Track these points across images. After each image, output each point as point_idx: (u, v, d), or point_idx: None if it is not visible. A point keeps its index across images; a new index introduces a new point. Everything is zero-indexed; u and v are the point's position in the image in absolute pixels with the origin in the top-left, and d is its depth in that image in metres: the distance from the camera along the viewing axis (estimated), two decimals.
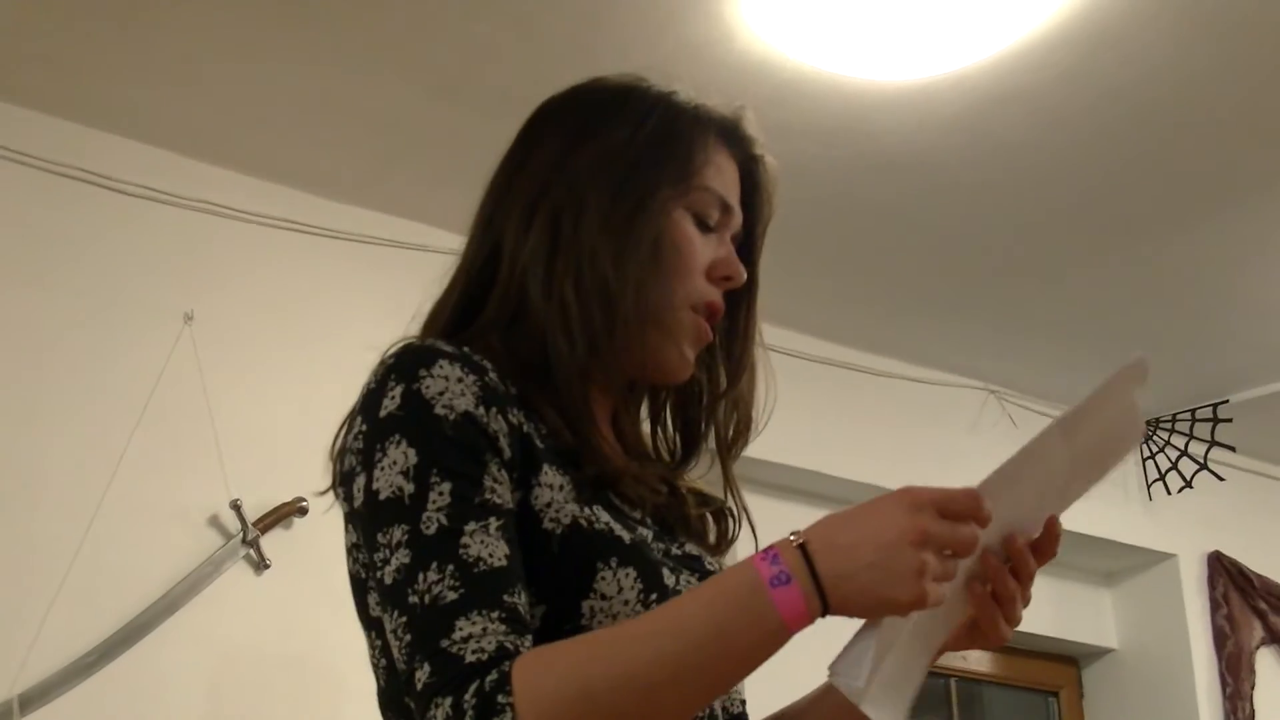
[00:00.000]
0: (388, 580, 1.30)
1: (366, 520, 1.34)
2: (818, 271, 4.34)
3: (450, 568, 1.26)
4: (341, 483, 1.41)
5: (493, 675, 1.21)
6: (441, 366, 1.35)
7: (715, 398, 1.57)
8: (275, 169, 3.72)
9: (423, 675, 1.24)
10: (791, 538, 1.23)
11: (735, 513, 1.58)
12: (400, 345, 1.41)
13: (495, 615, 1.25)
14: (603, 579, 1.33)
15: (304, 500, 3.55)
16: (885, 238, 4.17)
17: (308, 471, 3.48)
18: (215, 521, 3.41)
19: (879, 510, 1.22)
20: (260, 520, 3.45)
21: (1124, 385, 1.39)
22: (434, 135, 3.61)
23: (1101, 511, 4.98)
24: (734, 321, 1.57)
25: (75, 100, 3.46)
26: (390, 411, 1.34)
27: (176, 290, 3.55)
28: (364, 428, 1.36)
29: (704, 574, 1.44)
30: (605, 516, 1.38)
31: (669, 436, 1.60)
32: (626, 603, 1.33)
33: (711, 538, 1.56)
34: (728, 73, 3.30)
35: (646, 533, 1.44)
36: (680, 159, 1.50)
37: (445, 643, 1.24)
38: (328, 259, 3.80)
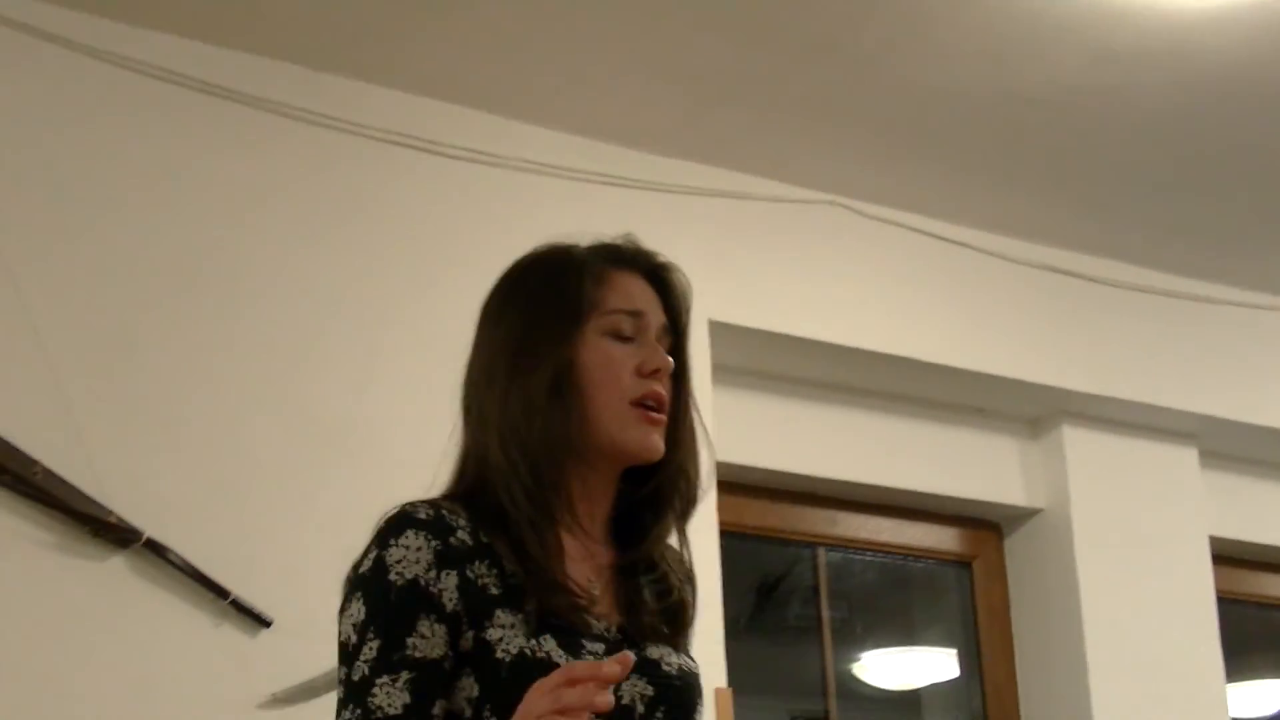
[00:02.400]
0: (337, 706, 1.71)
1: (338, 653, 1.74)
2: (1147, 200, 4.23)
3: (359, 712, 1.66)
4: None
5: None
6: (407, 536, 1.71)
7: (662, 472, 1.84)
8: (592, 125, 3.79)
9: None
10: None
11: (689, 592, 1.89)
12: (390, 511, 1.75)
13: None
14: None
15: None
16: (1219, 163, 4.04)
17: None
18: None
19: (530, 698, 1.56)
20: None
21: None
22: (748, 82, 3.62)
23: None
24: (673, 406, 1.84)
25: (402, 70, 3.59)
26: (362, 571, 1.73)
27: (503, 250, 3.64)
28: (350, 576, 1.75)
29: (653, 677, 1.76)
30: (550, 644, 1.70)
31: (639, 518, 1.87)
32: None
33: (666, 631, 1.85)
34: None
35: (600, 646, 1.75)
36: (572, 301, 1.80)
37: None
38: (647, 212, 3.86)
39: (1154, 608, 4.57)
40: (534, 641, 1.70)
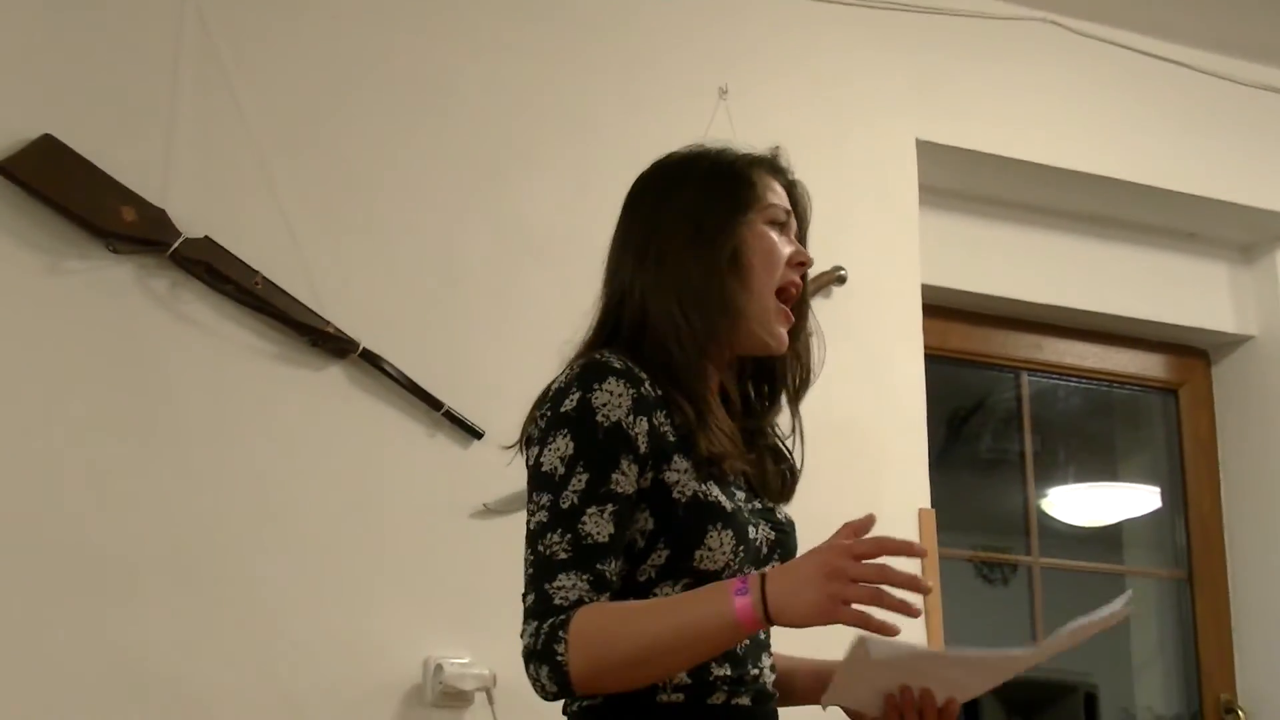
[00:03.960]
0: (530, 526, 1.90)
1: (530, 480, 1.93)
2: None
3: (569, 536, 1.86)
4: (525, 444, 1.99)
5: (564, 616, 1.82)
6: (609, 383, 1.90)
7: (785, 358, 2.09)
8: None
9: (529, 600, 1.87)
10: (760, 572, 1.81)
11: (796, 461, 2.13)
12: (585, 360, 1.95)
13: (586, 577, 1.85)
14: (710, 537, 1.90)
15: (842, 269, 3.63)
16: None
17: (839, 243, 3.58)
18: None
19: (812, 556, 1.78)
20: None
21: (1103, 625, 1.97)
22: None
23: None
24: (798, 301, 2.09)
25: None
26: (567, 410, 1.90)
27: (711, 65, 3.63)
28: (548, 414, 1.92)
29: (774, 524, 2.03)
30: (716, 490, 1.93)
31: (761, 391, 2.14)
32: (724, 553, 1.91)
33: (781, 490, 2.11)
34: None
35: (741, 495, 2.00)
36: (743, 191, 2.05)
37: (548, 586, 1.85)
38: (854, 30, 3.82)
39: None
40: (704, 486, 1.93)
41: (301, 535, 3.12)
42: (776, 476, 2.10)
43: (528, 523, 1.92)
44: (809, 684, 2.11)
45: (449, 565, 3.21)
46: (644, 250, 2.05)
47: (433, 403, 3.24)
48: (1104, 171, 4.17)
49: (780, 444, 2.14)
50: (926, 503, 3.73)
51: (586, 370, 1.93)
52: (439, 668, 3.12)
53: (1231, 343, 4.59)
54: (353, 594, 3.13)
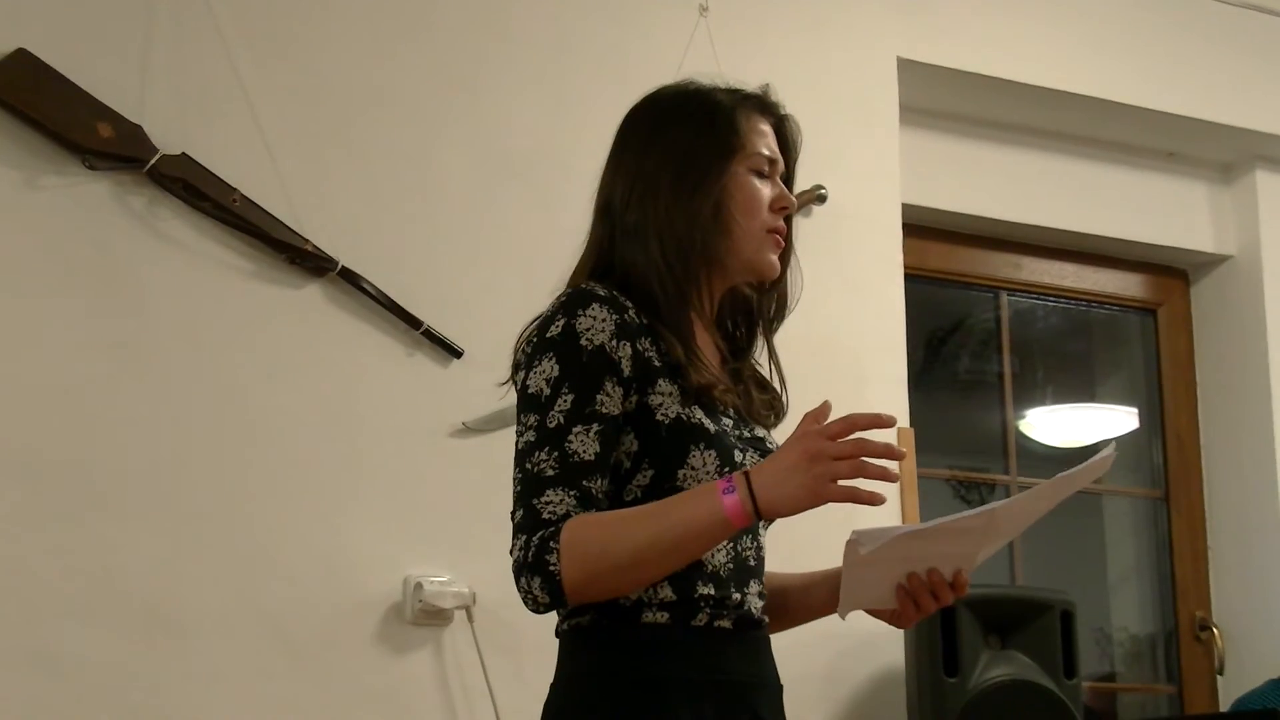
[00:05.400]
0: (519, 446, 1.96)
1: (519, 402, 1.98)
2: None
3: (556, 454, 1.91)
4: (514, 370, 2.04)
5: (553, 529, 1.87)
6: (593, 309, 1.96)
7: (767, 289, 2.16)
8: None
9: (517, 516, 1.92)
10: (742, 470, 1.86)
11: (780, 390, 2.18)
12: (570, 289, 2.01)
13: (573, 493, 1.90)
14: (693, 456, 1.96)
15: (822, 188, 3.63)
16: None
17: (820, 162, 3.58)
18: None
19: (789, 446, 1.84)
20: None
21: (1088, 477, 1.99)
22: None
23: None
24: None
25: None
26: (552, 335, 1.96)
27: None
28: (535, 339, 1.99)
29: (764, 452, 2.05)
30: (700, 414, 1.99)
31: (744, 325, 2.20)
32: (708, 472, 1.95)
33: (769, 417, 2.16)
34: None
35: (729, 422, 2.05)
36: (729, 136, 2.08)
37: (535, 501, 1.90)
38: None
39: None
40: (687, 410, 1.98)
41: (281, 454, 3.12)
42: (764, 405, 2.16)
43: (516, 443, 1.96)
44: (822, 595, 2.14)
45: (428, 484, 3.22)
46: (629, 191, 2.09)
47: (412, 321, 3.23)
48: (1084, 90, 4.16)
49: (761, 375, 2.19)
50: (905, 422, 3.73)
51: (571, 298, 1.99)
52: (418, 586, 3.13)
53: (1210, 263, 4.60)
54: (332, 512, 3.14)
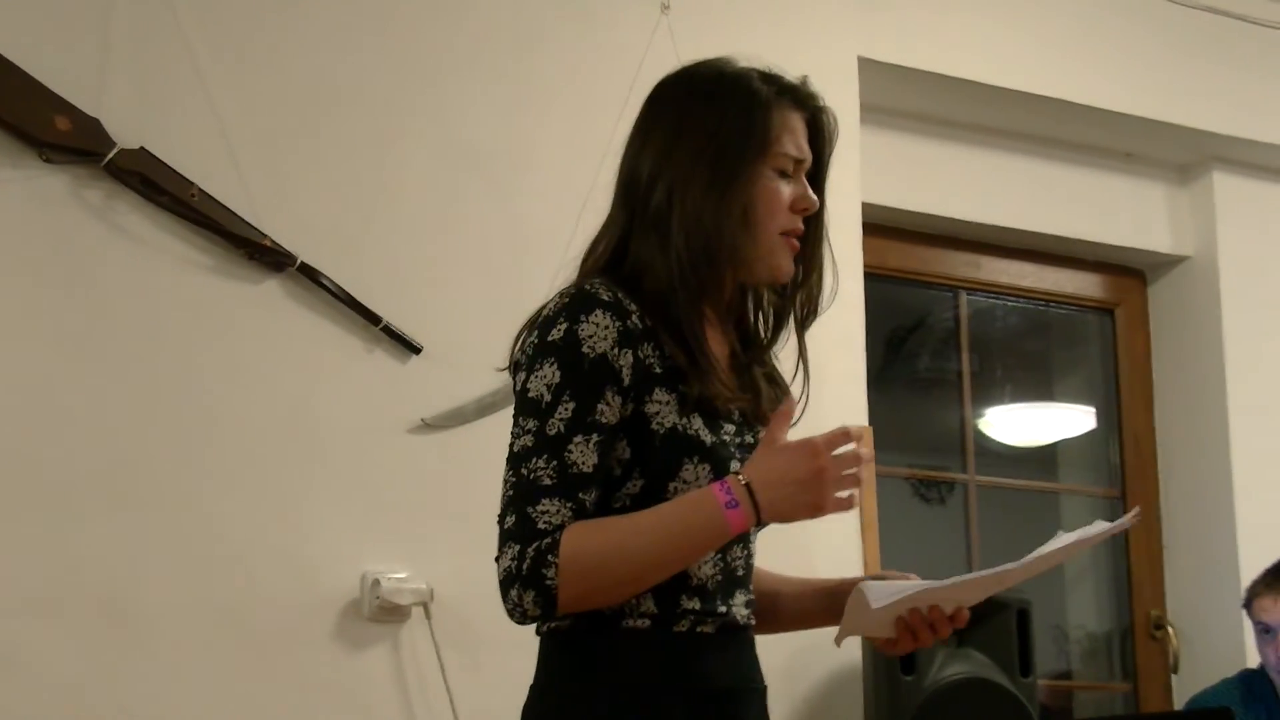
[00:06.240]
0: (514, 449, 1.93)
1: (517, 404, 1.96)
2: None
3: (555, 463, 1.89)
4: (513, 369, 2.01)
5: (550, 540, 1.86)
6: (596, 315, 1.93)
7: (795, 288, 2.13)
8: None
9: (508, 521, 1.90)
10: (740, 479, 1.88)
11: (805, 386, 2.15)
12: (574, 289, 1.98)
13: (568, 505, 1.88)
14: (685, 469, 1.94)
15: None
16: None
17: None
18: None
19: (793, 459, 1.87)
20: None
21: (1105, 537, 2.05)
22: None
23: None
24: (809, 233, 2.11)
25: None
26: (554, 339, 1.93)
27: None
28: (535, 341, 1.96)
29: None
30: (698, 423, 1.97)
31: (766, 321, 2.17)
32: (699, 487, 1.92)
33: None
34: None
35: (730, 428, 2.02)
36: (759, 135, 2.04)
37: (530, 510, 1.88)
38: None
39: None
40: (685, 419, 1.96)
41: (239, 449, 3.11)
42: (772, 403, 2.12)
43: (510, 445, 1.94)
44: (814, 607, 2.18)
45: (387, 480, 3.21)
46: (657, 174, 2.05)
47: (371, 317, 3.23)
48: (1043, 91, 4.18)
49: (776, 372, 2.18)
50: (864, 420, 3.74)
51: (574, 301, 1.96)
52: (376, 582, 3.13)
53: (1167, 263, 4.63)
54: (290, 508, 3.13)
